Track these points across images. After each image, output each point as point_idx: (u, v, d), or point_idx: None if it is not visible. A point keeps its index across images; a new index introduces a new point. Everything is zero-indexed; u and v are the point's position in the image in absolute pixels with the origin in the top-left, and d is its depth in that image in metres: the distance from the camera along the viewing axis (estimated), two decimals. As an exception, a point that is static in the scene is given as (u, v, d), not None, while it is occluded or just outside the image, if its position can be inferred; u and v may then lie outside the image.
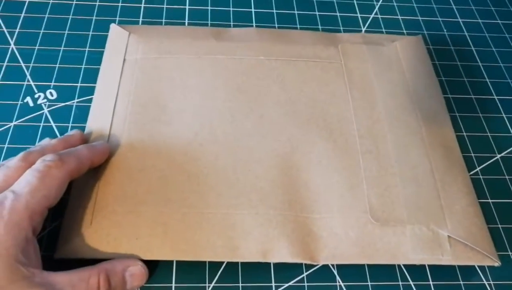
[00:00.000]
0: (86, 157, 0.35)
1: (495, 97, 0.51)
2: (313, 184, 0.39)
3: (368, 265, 0.38)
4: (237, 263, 0.38)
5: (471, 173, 0.44)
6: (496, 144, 0.47)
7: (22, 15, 0.51)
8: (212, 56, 0.46)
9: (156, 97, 0.43)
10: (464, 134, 0.47)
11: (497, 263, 0.37)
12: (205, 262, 0.37)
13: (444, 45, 0.55)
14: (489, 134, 0.48)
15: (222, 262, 0.37)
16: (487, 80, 0.52)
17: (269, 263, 0.38)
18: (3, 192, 0.30)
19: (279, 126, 0.42)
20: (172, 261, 0.37)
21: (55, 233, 0.36)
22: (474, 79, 0.52)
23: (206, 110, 0.43)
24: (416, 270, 0.38)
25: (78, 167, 0.34)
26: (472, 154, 0.46)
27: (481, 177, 0.44)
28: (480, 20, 0.59)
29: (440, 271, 0.39)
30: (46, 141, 0.39)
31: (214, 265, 0.37)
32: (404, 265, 0.39)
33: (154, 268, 0.37)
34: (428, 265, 0.39)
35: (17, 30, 0.50)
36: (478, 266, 0.39)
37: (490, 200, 0.43)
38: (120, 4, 0.54)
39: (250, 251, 0.36)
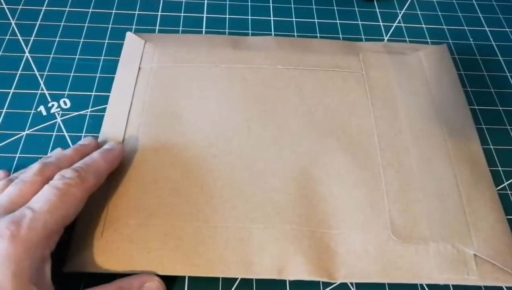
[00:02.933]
0: (104, 169, 0.35)
1: (524, 108, 0.49)
2: (331, 198, 0.38)
3: (388, 284, 0.37)
4: (252, 279, 0.36)
5: (499, 188, 0.42)
6: (525, 157, 0.45)
7: (38, 23, 0.51)
8: (229, 65, 0.46)
9: (171, 106, 0.42)
10: (491, 147, 0.45)
11: (526, 284, 0.36)
12: (218, 278, 0.36)
13: (470, 55, 0.53)
14: (517, 147, 0.46)
15: (236, 278, 0.36)
16: (515, 91, 0.50)
17: (285, 280, 0.36)
18: (20, 208, 0.29)
19: (297, 138, 0.41)
20: (184, 276, 0.36)
21: (64, 246, 0.35)
22: (502, 90, 0.50)
23: (222, 121, 0.42)
24: (440, 290, 0.37)
25: (97, 183, 0.34)
26: (500, 168, 0.44)
27: (509, 192, 0.43)
28: (507, 29, 0.57)
29: (465, 291, 0.37)
30: (58, 151, 0.38)
31: (228, 281, 0.36)
32: (427, 284, 0.37)
33: (166, 283, 0.35)
34: (453, 285, 0.37)
35: (32, 38, 0.49)
36: (506, 287, 0.37)
37: (518, 217, 0.41)
38: (136, 12, 0.53)
39: (265, 268, 0.35)
